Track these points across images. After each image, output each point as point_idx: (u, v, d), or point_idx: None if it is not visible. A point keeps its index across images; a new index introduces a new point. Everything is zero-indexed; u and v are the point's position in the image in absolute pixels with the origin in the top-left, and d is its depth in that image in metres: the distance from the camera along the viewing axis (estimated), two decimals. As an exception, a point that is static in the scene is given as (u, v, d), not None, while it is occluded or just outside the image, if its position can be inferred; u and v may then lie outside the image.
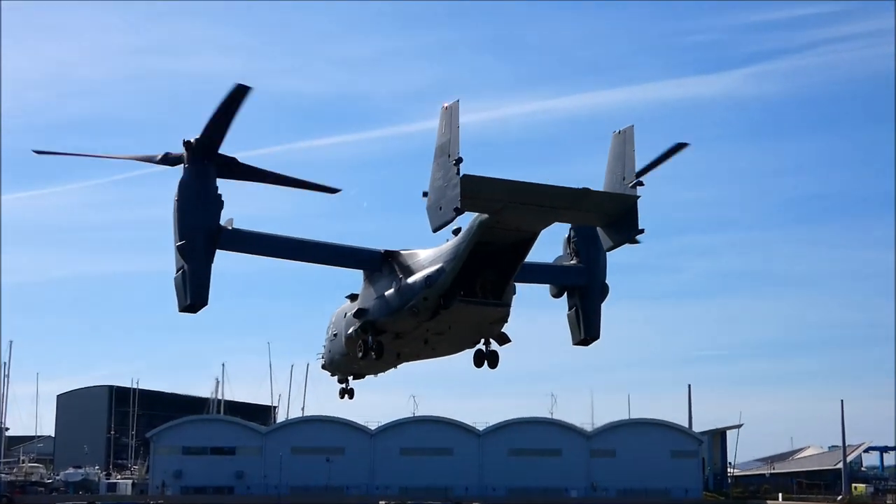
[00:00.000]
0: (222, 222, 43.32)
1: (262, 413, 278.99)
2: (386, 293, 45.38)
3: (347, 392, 54.17)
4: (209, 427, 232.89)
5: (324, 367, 53.41)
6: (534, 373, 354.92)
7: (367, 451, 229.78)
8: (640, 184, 38.75)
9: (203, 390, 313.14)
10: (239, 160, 43.58)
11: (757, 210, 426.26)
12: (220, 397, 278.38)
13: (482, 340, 45.78)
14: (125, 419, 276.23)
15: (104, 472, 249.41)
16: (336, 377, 53.92)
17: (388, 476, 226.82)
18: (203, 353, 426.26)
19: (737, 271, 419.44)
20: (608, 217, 39.17)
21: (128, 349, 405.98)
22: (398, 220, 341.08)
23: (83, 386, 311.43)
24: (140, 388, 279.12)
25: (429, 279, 43.10)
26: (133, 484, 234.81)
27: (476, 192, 36.96)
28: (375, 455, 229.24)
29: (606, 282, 49.77)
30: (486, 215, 39.76)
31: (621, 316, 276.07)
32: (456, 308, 42.79)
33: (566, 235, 50.23)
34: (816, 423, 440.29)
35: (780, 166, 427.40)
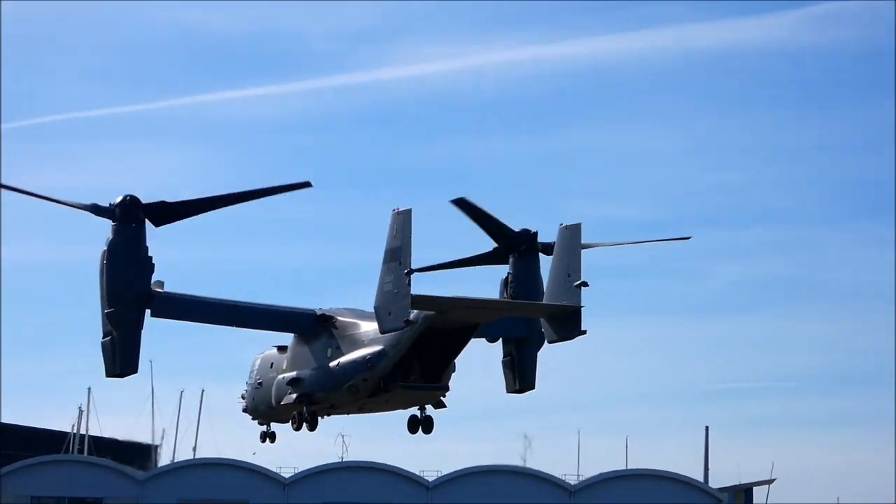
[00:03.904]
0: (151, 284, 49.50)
1: (139, 454, 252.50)
2: (326, 366, 52.45)
3: (269, 435, 58.65)
4: (68, 471, 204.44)
5: (245, 410, 58.31)
6: (500, 408, 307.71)
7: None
8: (585, 284, 48.14)
9: (61, 422, 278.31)
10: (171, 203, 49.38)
11: (811, 198, 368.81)
12: (83, 432, 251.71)
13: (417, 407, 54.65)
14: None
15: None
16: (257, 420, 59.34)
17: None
18: (62, 373, 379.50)
19: (780, 279, 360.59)
20: (552, 316, 49.80)
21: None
22: (353, 205, 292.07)
23: None
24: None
25: (370, 362, 50.47)
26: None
27: (425, 305, 48.35)
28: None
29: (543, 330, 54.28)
30: (432, 312, 49.21)
31: (619, 336, 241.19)
32: (396, 392, 51.15)
33: (503, 278, 54.70)
34: (870, 479, 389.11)
35: (844, 140, 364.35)
